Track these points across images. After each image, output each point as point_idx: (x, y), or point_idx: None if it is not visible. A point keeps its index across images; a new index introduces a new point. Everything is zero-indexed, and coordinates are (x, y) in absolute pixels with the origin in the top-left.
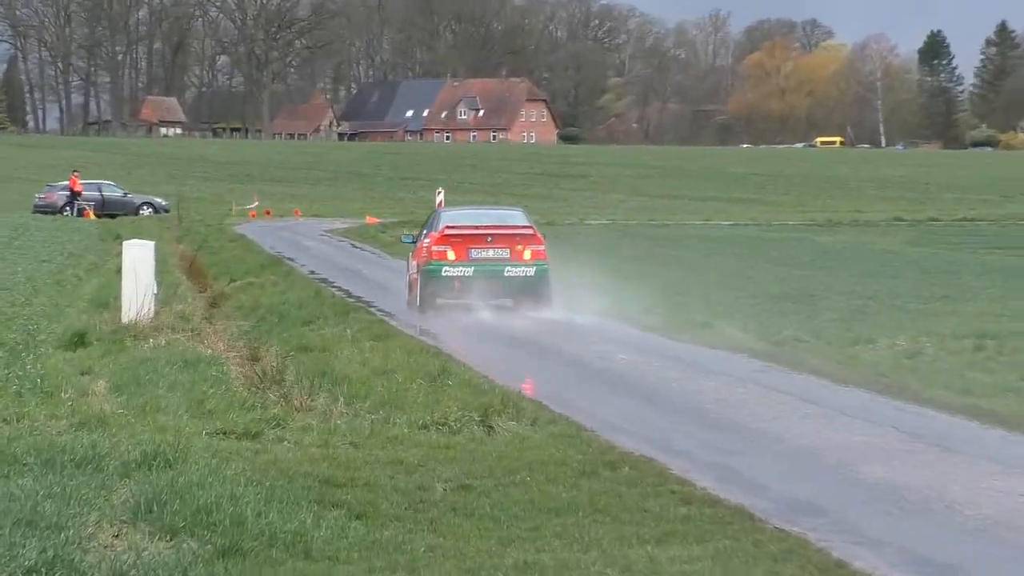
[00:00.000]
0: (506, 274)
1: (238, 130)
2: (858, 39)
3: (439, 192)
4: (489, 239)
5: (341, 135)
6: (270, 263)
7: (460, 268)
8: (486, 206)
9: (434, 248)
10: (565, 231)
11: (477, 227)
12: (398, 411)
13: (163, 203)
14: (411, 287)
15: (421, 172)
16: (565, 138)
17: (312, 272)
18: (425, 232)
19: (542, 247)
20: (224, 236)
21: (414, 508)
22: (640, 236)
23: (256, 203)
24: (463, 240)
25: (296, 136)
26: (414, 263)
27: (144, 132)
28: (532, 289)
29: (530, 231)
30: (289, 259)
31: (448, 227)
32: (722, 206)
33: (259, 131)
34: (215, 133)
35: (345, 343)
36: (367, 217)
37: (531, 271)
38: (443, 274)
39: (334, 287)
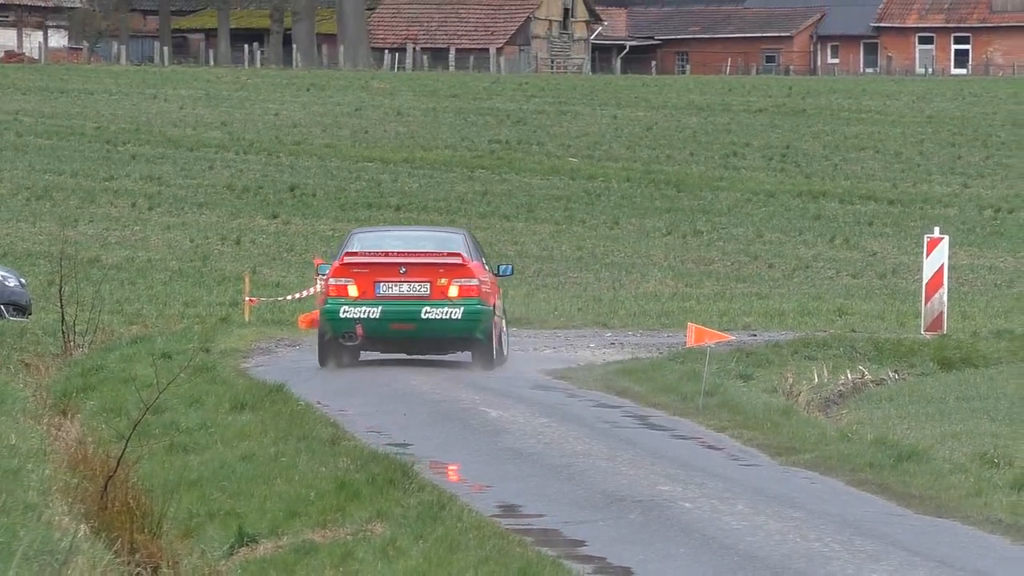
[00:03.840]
0: (423, 316)
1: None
2: None
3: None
4: (402, 270)
5: (603, 50)
6: (361, 491)
7: (363, 308)
8: (418, 227)
9: (331, 281)
10: None
11: (387, 253)
12: None
13: (17, 286)
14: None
15: None
16: None
17: None
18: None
19: (475, 282)
20: (215, 396)
21: None
22: None
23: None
24: (369, 271)
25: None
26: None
27: None
28: (462, 338)
29: (458, 259)
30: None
31: (350, 253)
32: None
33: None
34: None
35: None
36: None
37: (457, 313)
38: (340, 316)
39: None
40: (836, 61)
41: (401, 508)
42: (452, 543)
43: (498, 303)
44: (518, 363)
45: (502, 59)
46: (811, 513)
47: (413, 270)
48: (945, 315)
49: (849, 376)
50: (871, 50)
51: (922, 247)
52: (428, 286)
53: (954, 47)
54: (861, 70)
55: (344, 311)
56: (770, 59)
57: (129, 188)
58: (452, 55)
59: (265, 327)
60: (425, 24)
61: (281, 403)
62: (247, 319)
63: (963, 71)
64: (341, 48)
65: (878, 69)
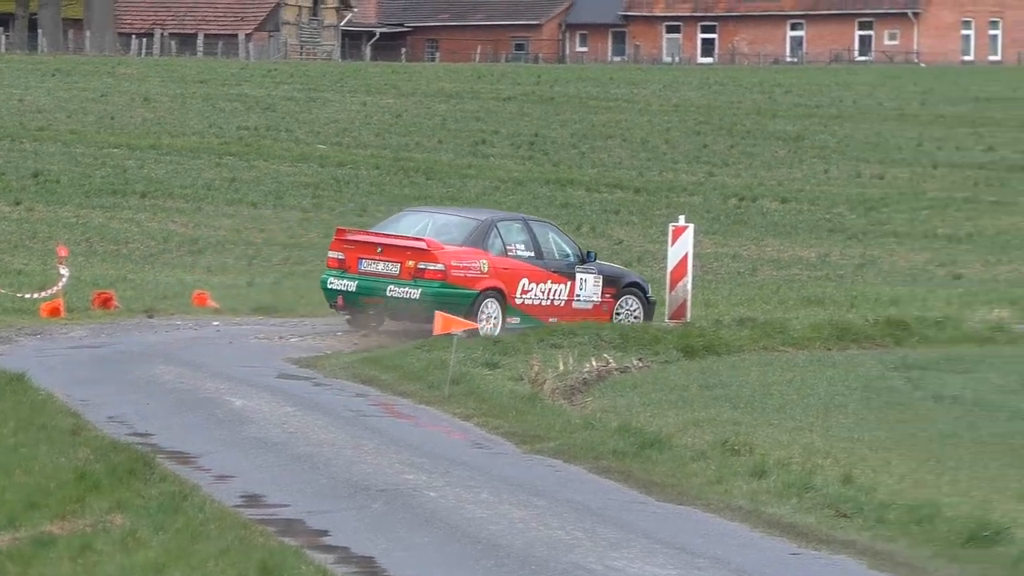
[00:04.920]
0: (389, 294)
1: None
2: None
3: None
4: (379, 250)
5: (353, 36)
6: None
7: (345, 281)
8: (451, 209)
9: (329, 254)
10: None
11: (369, 232)
12: None
13: None
14: None
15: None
16: None
17: None
18: None
19: (438, 267)
20: None
21: None
22: None
23: (64, 273)
24: (355, 247)
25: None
26: None
27: None
28: (423, 316)
29: (422, 244)
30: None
31: (340, 230)
32: None
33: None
34: None
35: None
36: None
37: (415, 293)
38: (328, 286)
39: None
40: (585, 50)
41: (142, 499)
42: (193, 534)
43: (548, 287)
44: (264, 352)
45: (251, 45)
46: (555, 501)
47: (388, 251)
48: (689, 303)
49: (594, 364)
50: (619, 39)
51: (667, 235)
52: (398, 267)
53: (701, 36)
54: (609, 59)
55: (331, 282)
56: (519, 47)
57: None
58: (200, 41)
59: (6, 315)
60: (173, 9)
61: (21, 393)
62: None
63: (710, 60)
64: (87, 33)
65: (626, 58)
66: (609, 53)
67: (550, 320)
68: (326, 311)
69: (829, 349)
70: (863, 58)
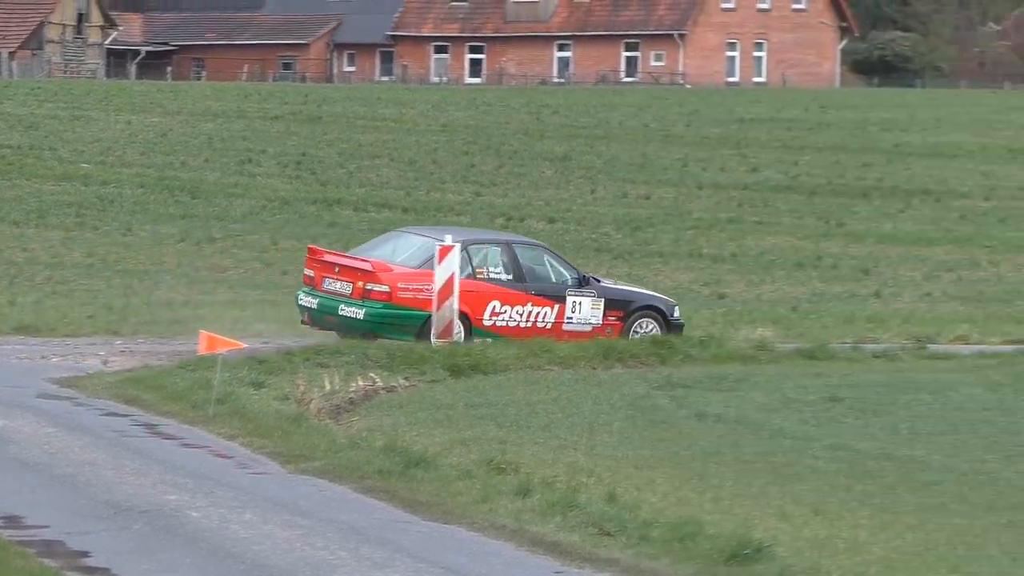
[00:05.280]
0: (340, 312)
1: None
2: None
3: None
4: (336, 269)
5: (118, 55)
6: None
7: (310, 298)
8: (429, 228)
9: (304, 270)
10: None
11: (331, 253)
12: None
13: None
14: None
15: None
16: (863, 68)
17: None
18: None
19: (383, 288)
20: None
21: None
22: None
23: None
24: (321, 267)
25: None
26: None
27: None
28: (370, 335)
29: (368, 266)
30: None
31: (311, 249)
32: None
33: None
34: None
35: None
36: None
37: (359, 313)
38: (298, 302)
39: None
40: (352, 69)
41: None
42: None
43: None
44: (25, 372)
45: (14, 63)
46: (319, 521)
47: (343, 271)
48: (455, 322)
49: (360, 383)
50: (387, 59)
51: (434, 255)
52: (351, 287)
53: (469, 56)
54: (377, 78)
55: (300, 298)
56: (287, 66)
57: None
58: None
59: None
60: None
61: None
62: None
63: (478, 80)
64: None
65: (394, 77)
66: (377, 73)
67: None
68: (90, 331)
69: (594, 368)
70: (629, 79)
